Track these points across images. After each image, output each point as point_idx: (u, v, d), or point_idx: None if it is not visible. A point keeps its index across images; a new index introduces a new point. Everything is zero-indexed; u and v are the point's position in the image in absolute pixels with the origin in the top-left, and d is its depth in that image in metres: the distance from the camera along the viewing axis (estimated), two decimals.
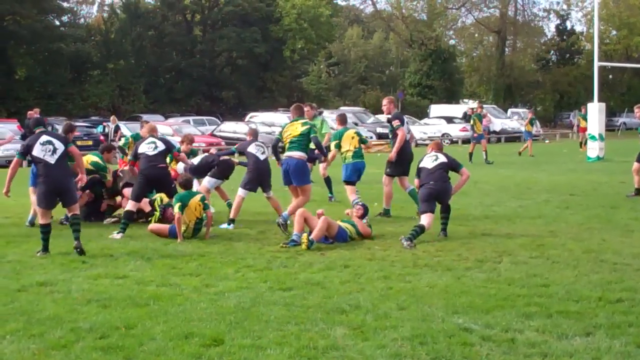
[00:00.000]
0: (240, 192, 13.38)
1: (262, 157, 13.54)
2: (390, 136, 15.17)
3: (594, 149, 30.87)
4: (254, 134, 14.20)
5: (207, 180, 13.99)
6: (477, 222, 13.53)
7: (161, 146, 12.73)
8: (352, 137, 14.33)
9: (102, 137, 33.83)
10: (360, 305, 7.68)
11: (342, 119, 15.41)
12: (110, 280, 8.93)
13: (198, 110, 58.43)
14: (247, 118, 43.33)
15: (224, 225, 13.11)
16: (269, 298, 7.99)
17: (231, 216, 13.24)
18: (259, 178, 13.41)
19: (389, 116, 14.85)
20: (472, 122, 29.48)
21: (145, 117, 47.38)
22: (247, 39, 60.64)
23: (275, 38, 63.06)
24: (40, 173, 10.68)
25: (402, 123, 14.51)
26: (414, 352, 6.25)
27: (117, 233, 12.13)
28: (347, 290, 8.32)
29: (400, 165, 14.49)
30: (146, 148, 12.66)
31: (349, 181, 14.03)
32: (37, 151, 10.59)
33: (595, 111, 31.90)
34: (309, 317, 7.25)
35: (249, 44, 60.71)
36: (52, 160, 10.55)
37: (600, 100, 33.00)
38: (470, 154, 28.80)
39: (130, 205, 12.49)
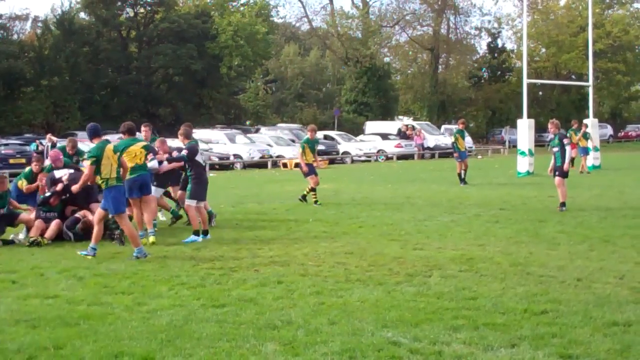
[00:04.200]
0: (191, 202, 13.69)
1: (204, 166, 14.20)
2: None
3: (523, 164, 31.51)
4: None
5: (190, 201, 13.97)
6: (409, 236, 13.72)
7: None
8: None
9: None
10: (292, 320, 7.76)
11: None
12: (40, 300, 8.85)
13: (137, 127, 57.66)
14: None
15: (196, 238, 13.38)
16: (201, 315, 8.02)
17: (195, 228, 13.55)
18: (205, 187, 14.05)
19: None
20: (454, 139, 26.90)
21: (80, 134, 46.85)
22: (184, 56, 60.32)
23: (212, 55, 62.82)
24: None
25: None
26: None
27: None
28: (280, 306, 8.40)
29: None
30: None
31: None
32: None
33: (524, 127, 32.61)
34: (241, 333, 7.31)
35: (185, 60, 60.39)
36: None
37: (529, 116, 33.76)
38: (459, 175, 26.30)
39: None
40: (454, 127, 63.14)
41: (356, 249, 12.32)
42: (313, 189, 19.91)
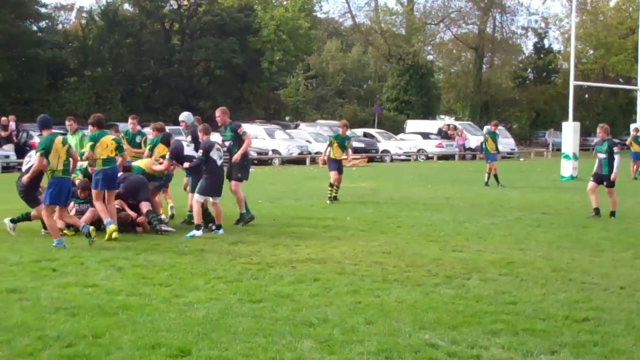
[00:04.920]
0: (198, 197, 13.66)
1: (219, 163, 13.94)
2: (233, 144, 15.20)
3: (567, 168, 31.14)
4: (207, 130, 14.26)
5: (198, 196, 13.93)
6: (449, 238, 13.60)
7: None
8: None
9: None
10: (328, 318, 7.71)
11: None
12: (79, 288, 8.91)
13: (175, 120, 57.98)
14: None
15: (197, 233, 13.32)
16: (238, 310, 8.01)
17: (196, 222, 13.53)
18: (216, 183, 13.87)
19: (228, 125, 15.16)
20: (483, 140, 26.79)
21: (122, 125, 47.24)
22: (225, 49, 60.51)
23: (254, 49, 62.98)
24: None
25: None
26: None
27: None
28: (316, 304, 8.35)
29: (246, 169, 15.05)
30: None
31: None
32: None
33: (570, 130, 32.20)
34: (277, 329, 7.28)
35: (227, 54, 60.58)
36: None
37: (575, 119, 33.33)
38: (495, 176, 25.86)
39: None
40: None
41: (394, 248, 12.24)
42: (331, 185, 19.57)
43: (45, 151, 11.98)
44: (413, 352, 6.66)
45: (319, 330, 7.28)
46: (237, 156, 14.75)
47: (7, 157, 33.13)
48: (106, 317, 7.62)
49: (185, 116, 16.02)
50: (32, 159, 12.80)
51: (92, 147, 12.96)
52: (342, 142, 19.90)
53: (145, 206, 13.76)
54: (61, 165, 12.07)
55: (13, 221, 13.21)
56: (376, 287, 9.31)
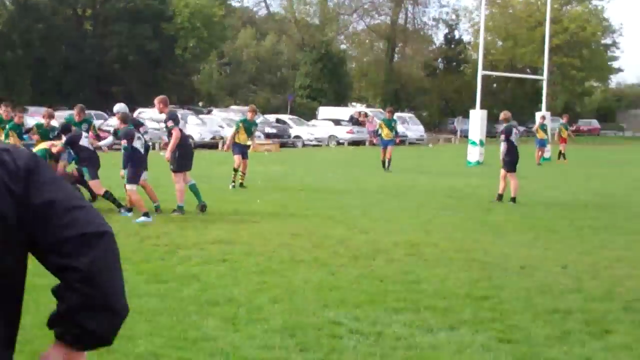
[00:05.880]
0: (130, 187, 13.59)
1: (142, 151, 13.81)
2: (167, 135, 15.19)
3: (474, 154, 31.84)
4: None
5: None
6: (356, 220, 13.78)
7: None
8: None
9: None
10: (234, 298, 7.74)
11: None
12: None
13: (86, 105, 56.94)
14: (135, 113, 42.70)
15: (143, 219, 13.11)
16: (143, 290, 7.93)
17: (142, 209, 13.28)
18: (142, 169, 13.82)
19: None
20: (377, 126, 27.90)
21: (32, 109, 46.24)
22: (139, 36, 59.74)
23: (167, 36, 62.29)
24: None
25: (176, 123, 14.54)
26: (282, 343, 6.35)
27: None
28: (223, 284, 8.37)
29: (186, 159, 14.69)
30: None
31: None
32: None
33: (477, 118, 32.99)
34: (183, 308, 7.27)
35: (140, 40, 59.82)
36: None
37: (483, 107, 34.10)
38: (385, 161, 26.72)
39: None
40: (406, 115, 63.60)
41: (302, 230, 12.32)
42: (235, 170, 19.21)
43: None
44: (316, 329, 6.74)
45: (225, 309, 7.30)
46: (167, 154, 14.42)
47: None
48: None
49: (119, 107, 15.45)
50: None
51: None
52: (249, 126, 19.56)
53: None
54: None
55: None
56: (283, 267, 9.37)
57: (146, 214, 13.14)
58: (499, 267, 9.74)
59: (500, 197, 17.29)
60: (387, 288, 8.38)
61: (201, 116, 49.17)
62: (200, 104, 68.01)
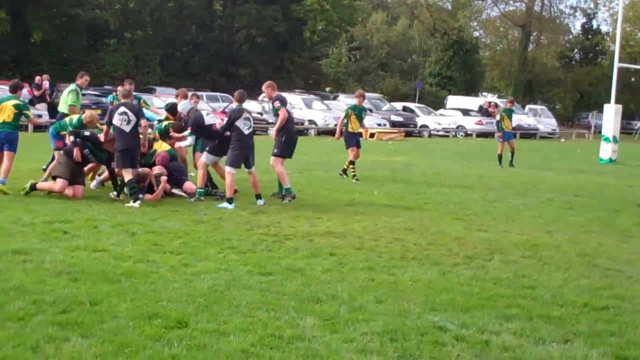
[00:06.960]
0: (229, 169, 13.19)
1: (247, 132, 13.34)
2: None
3: (606, 151, 30.53)
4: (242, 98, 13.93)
5: (205, 156, 13.73)
6: (475, 217, 13.24)
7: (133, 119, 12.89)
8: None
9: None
10: (337, 295, 7.46)
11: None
12: (87, 253, 8.74)
13: (213, 86, 57.99)
14: (260, 97, 42.97)
15: (224, 205, 12.86)
16: (245, 282, 7.77)
17: (228, 195, 13.02)
18: (243, 153, 13.31)
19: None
20: (499, 118, 25.77)
21: (159, 89, 47.24)
22: (267, 17, 60.19)
23: (296, 18, 62.51)
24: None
25: (284, 104, 14.24)
26: (381, 348, 6.03)
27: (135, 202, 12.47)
28: (327, 280, 8.10)
29: (290, 146, 14.41)
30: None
31: None
32: (115, 120, 12.72)
33: (611, 113, 31.56)
34: (282, 304, 7.04)
35: (268, 22, 60.26)
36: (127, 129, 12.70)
37: (618, 102, 32.65)
38: (500, 156, 25.24)
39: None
40: (538, 107, 61.87)
41: (417, 225, 11.93)
42: (352, 162, 18.54)
43: None
44: (419, 335, 6.38)
45: (325, 307, 7.03)
46: (273, 133, 14.40)
47: (40, 116, 33.11)
48: (108, 283, 7.42)
49: (182, 105, 15.23)
50: None
51: None
52: (359, 113, 18.67)
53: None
54: None
55: None
56: (393, 264, 9.02)
57: (230, 200, 12.93)
58: (623, 275, 9.10)
59: None
60: (500, 292, 7.93)
61: (327, 102, 49.05)
62: (328, 89, 67.98)
